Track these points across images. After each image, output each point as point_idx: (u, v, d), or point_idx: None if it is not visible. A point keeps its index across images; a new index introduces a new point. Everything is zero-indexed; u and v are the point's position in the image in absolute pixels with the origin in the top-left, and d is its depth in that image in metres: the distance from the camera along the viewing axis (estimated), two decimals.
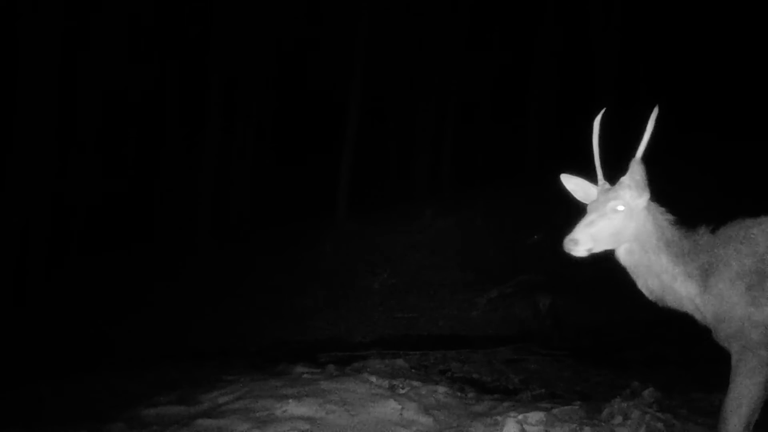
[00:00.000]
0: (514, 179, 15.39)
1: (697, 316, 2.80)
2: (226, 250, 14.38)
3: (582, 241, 2.70)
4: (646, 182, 2.74)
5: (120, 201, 17.27)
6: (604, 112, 3.01)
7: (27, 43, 12.22)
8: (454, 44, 17.79)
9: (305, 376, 4.61)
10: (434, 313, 8.86)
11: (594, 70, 16.54)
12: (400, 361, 5.38)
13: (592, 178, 2.96)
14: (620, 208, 2.74)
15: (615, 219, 2.74)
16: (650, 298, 2.86)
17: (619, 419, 3.64)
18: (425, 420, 3.72)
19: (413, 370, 5.20)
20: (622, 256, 2.85)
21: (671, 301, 2.83)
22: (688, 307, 2.81)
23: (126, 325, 9.65)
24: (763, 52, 13.78)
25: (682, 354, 5.76)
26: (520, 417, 3.54)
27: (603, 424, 3.59)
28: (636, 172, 2.74)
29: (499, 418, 3.60)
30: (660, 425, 3.53)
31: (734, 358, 2.64)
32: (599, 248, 2.77)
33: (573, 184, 2.99)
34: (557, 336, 7.29)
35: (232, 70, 16.46)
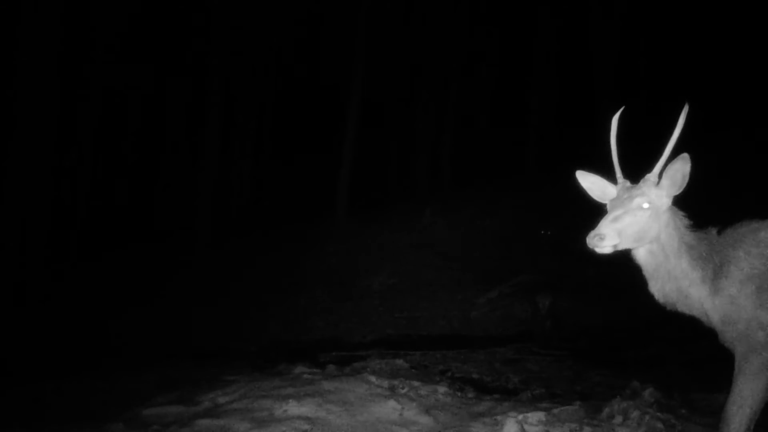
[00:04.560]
0: (513, 179, 15.40)
1: (703, 319, 2.75)
2: (226, 249, 14.38)
3: (608, 237, 2.54)
4: (674, 181, 2.62)
5: (120, 201, 17.29)
6: (622, 111, 2.88)
7: (27, 42, 12.21)
8: (454, 43, 17.79)
9: (305, 376, 4.61)
10: (434, 313, 8.84)
11: (593, 71, 16.56)
12: (400, 361, 5.38)
13: (604, 176, 2.82)
14: (646, 205, 2.61)
15: (641, 216, 2.60)
16: (661, 301, 2.76)
17: (619, 419, 3.64)
18: (425, 420, 3.71)
19: (413, 370, 5.20)
20: (643, 257, 2.72)
21: (682, 306, 2.75)
22: (696, 311, 2.74)
23: (126, 324, 9.65)
24: (762, 50, 13.77)
25: (682, 354, 5.74)
26: (520, 417, 3.54)
27: (603, 424, 3.59)
28: (664, 169, 2.61)
29: (499, 418, 3.60)
30: (660, 425, 3.53)
31: (738, 359, 2.61)
32: (623, 246, 2.62)
33: (589, 181, 2.83)
34: (557, 336, 7.28)
35: (232, 69, 16.47)
